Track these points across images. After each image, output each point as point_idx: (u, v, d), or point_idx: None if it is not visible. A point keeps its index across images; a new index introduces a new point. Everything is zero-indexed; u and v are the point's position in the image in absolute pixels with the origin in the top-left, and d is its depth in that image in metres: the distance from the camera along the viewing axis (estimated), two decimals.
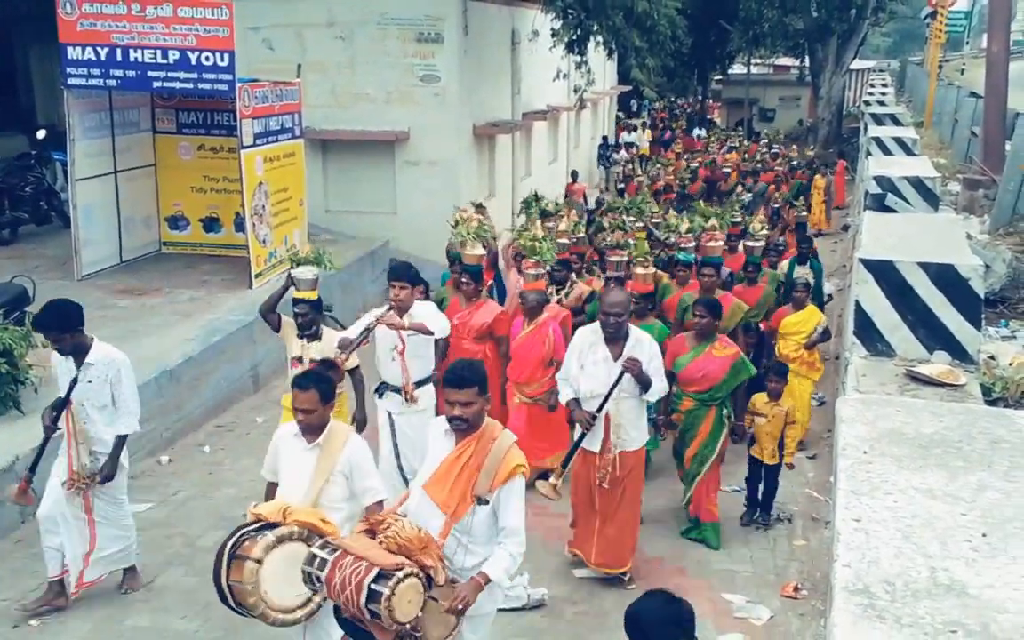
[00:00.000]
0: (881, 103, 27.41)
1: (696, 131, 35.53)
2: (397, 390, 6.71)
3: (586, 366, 6.05)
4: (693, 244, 9.66)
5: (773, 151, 26.04)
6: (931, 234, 7.87)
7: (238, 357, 10.26)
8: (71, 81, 11.37)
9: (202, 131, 13.37)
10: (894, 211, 10.27)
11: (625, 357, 5.96)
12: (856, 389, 5.84)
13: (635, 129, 33.42)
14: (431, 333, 6.61)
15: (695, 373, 6.85)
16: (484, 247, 8.95)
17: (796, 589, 6.44)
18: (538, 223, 10.22)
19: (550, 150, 23.37)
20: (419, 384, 6.75)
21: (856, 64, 40.03)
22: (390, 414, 6.78)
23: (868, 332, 6.57)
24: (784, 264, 11.05)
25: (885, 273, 6.49)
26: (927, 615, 2.50)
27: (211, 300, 11.29)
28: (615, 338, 6.02)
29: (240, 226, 12.76)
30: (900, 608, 2.53)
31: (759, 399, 7.42)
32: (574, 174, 22.62)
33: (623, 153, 28.08)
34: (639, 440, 6.31)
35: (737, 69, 44.40)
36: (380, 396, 6.80)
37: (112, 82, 11.38)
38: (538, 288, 7.98)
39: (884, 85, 35.90)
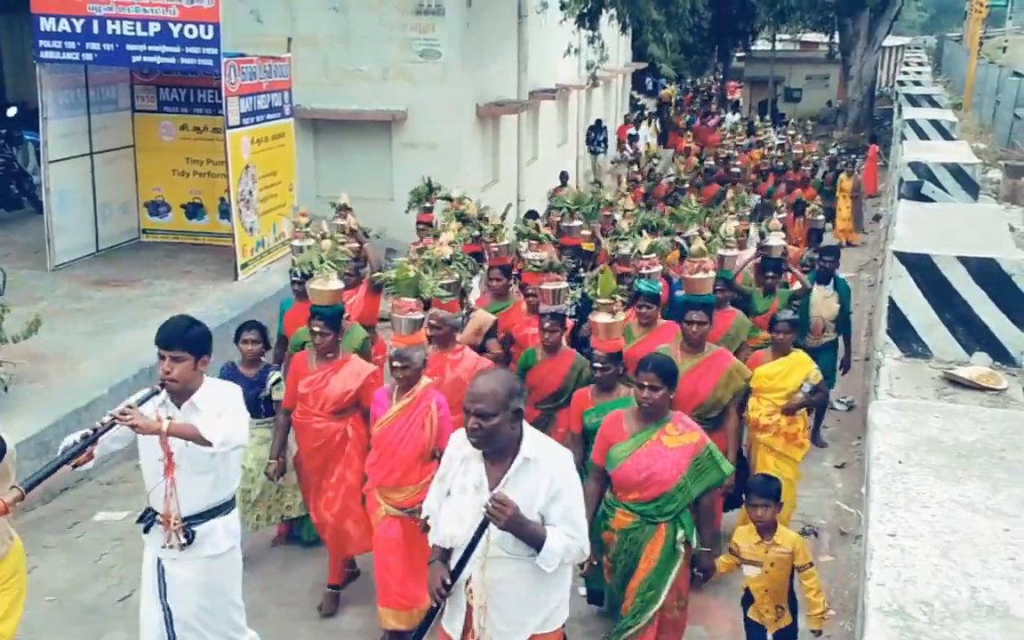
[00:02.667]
0: (916, 83, 27.31)
1: (729, 117, 34.24)
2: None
3: (453, 493, 3.92)
4: (657, 269, 7.61)
5: (779, 143, 23.92)
6: (971, 225, 7.86)
7: (223, 354, 10.23)
8: (44, 55, 11.37)
9: (184, 110, 13.39)
10: (931, 200, 10.25)
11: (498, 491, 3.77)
12: (889, 393, 5.83)
13: (649, 119, 32.44)
14: (206, 444, 4.32)
15: (634, 473, 4.93)
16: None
17: None
18: (451, 230, 8.26)
19: (559, 132, 23.37)
20: (198, 518, 4.57)
21: (889, 40, 39.95)
22: (159, 560, 4.68)
23: (902, 331, 6.57)
24: (796, 285, 9.36)
25: (921, 268, 6.48)
26: (967, 639, 2.49)
27: (194, 292, 11.31)
28: (492, 453, 3.83)
29: (225, 213, 12.78)
30: (938, 631, 2.53)
31: (743, 536, 5.31)
32: (563, 176, 19.31)
33: (626, 153, 26.21)
34: (536, 627, 3.93)
35: (761, 45, 44.38)
36: (146, 531, 4.67)
37: (88, 56, 11.38)
38: (448, 312, 6.36)
39: (920, 63, 35.77)
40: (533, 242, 8.37)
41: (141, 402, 4.38)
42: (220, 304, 10.82)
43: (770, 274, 8.83)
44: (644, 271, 7.42)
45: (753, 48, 44.31)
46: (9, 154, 14.24)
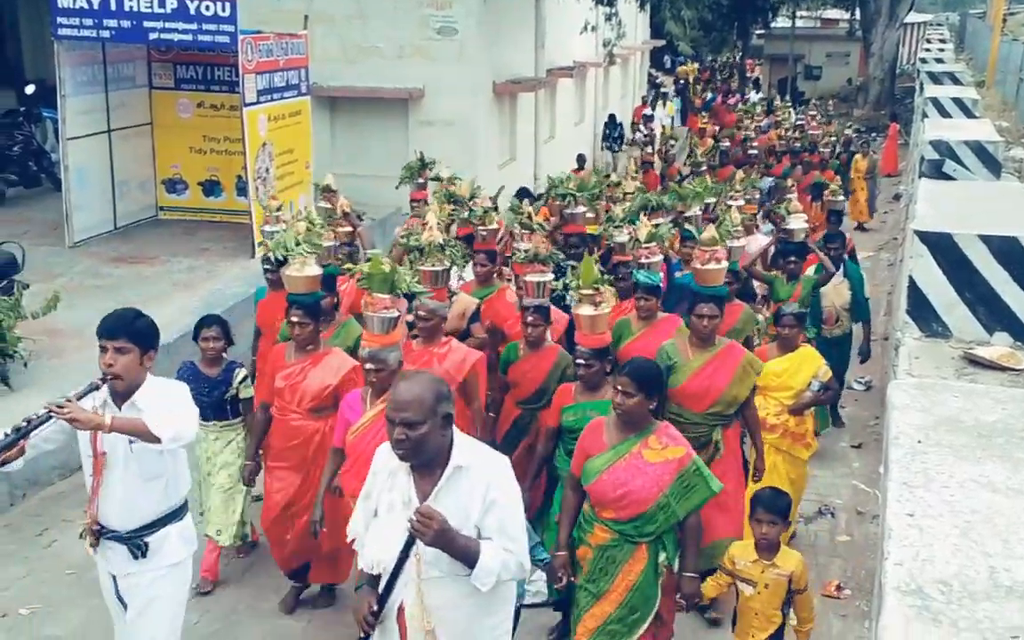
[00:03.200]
0: (938, 60, 27.03)
1: (752, 96, 33.55)
2: (118, 536, 4.18)
3: (380, 512, 3.58)
4: (658, 259, 7.10)
5: (798, 122, 22.93)
6: (993, 204, 7.77)
7: (240, 332, 10.30)
8: (62, 32, 11.41)
9: (201, 87, 13.42)
10: (952, 178, 10.13)
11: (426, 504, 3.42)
12: (909, 373, 5.78)
13: (663, 100, 31.73)
14: (154, 439, 3.92)
15: (610, 489, 4.50)
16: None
17: (838, 588, 6.42)
18: (434, 207, 8.02)
19: (576, 110, 23.28)
20: (151, 528, 4.21)
21: (911, 17, 39.57)
22: (114, 578, 4.30)
23: (922, 311, 6.50)
24: (810, 271, 8.96)
25: (942, 246, 6.40)
26: (987, 619, 2.47)
27: (211, 269, 11.36)
28: (421, 465, 3.48)
29: (242, 190, 12.81)
30: (957, 611, 2.51)
31: (741, 550, 4.95)
32: (580, 159, 18.47)
33: (639, 135, 25.11)
34: None
35: (781, 22, 44.00)
36: (94, 546, 4.26)
37: (106, 33, 11.42)
38: (437, 303, 6.02)
39: (942, 40, 35.44)
40: (524, 230, 7.87)
41: (80, 396, 3.96)
42: (238, 281, 10.85)
43: (792, 259, 8.45)
44: (644, 261, 6.90)
45: (773, 25, 43.96)
46: (28, 131, 14.31)
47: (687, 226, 8.98)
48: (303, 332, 5.61)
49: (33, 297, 8.66)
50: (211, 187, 13.70)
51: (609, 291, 7.11)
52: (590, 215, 9.60)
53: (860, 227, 18.13)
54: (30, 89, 15.25)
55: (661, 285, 6.87)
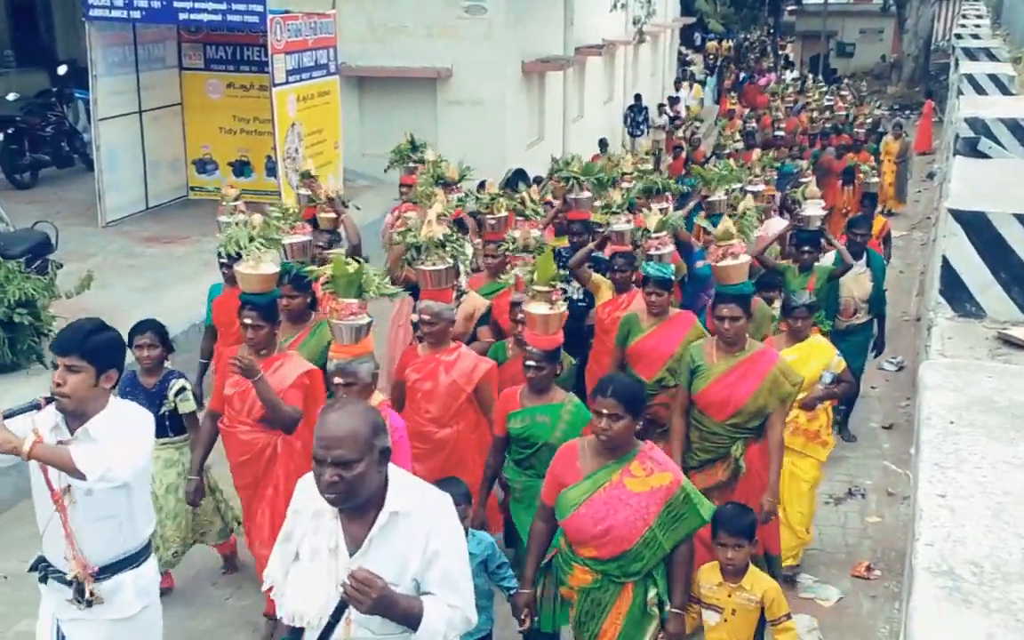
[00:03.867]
0: (975, 36, 26.55)
1: (788, 75, 32.49)
2: (64, 579, 3.73)
3: (302, 557, 3.11)
4: (669, 250, 6.49)
5: (827, 102, 21.65)
6: None
7: None
8: (93, 13, 11.51)
9: (231, 67, 13.49)
10: (987, 156, 9.98)
11: (358, 561, 2.96)
12: (941, 353, 5.73)
13: (690, 81, 30.70)
14: (79, 475, 3.48)
15: (589, 524, 3.99)
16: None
17: (868, 569, 6.39)
18: (438, 199, 7.22)
19: (606, 89, 23.16)
20: (102, 573, 3.73)
21: None
22: (57, 621, 3.85)
23: (955, 291, 6.42)
24: (829, 257, 8.29)
25: (976, 226, 6.32)
26: (1019, 600, 2.46)
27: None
28: (352, 510, 3.00)
29: (272, 170, 12.88)
30: (988, 592, 2.50)
31: (706, 574, 4.45)
32: (602, 143, 18.01)
33: (664, 118, 23.44)
34: None
35: None
36: (43, 581, 3.84)
37: (136, 13, 11.50)
38: (441, 302, 5.54)
39: (978, 16, 34.75)
40: (520, 218, 7.25)
41: (14, 413, 3.50)
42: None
43: (806, 249, 7.83)
44: (654, 252, 6.29)
45: (805, 1, 43.43)
46: (60, 112, 14.45)
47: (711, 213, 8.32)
48: (256, 335, 5.06)
49: (67, 277, 8.78)
50: (241, 167, 13.77)
51: (606, 284, 6.91)
52: (598, 203, 8.81)
53: (888, 213, 17.18)
54: (62, 70, 15.40)
55: (673, 278, 6.29)
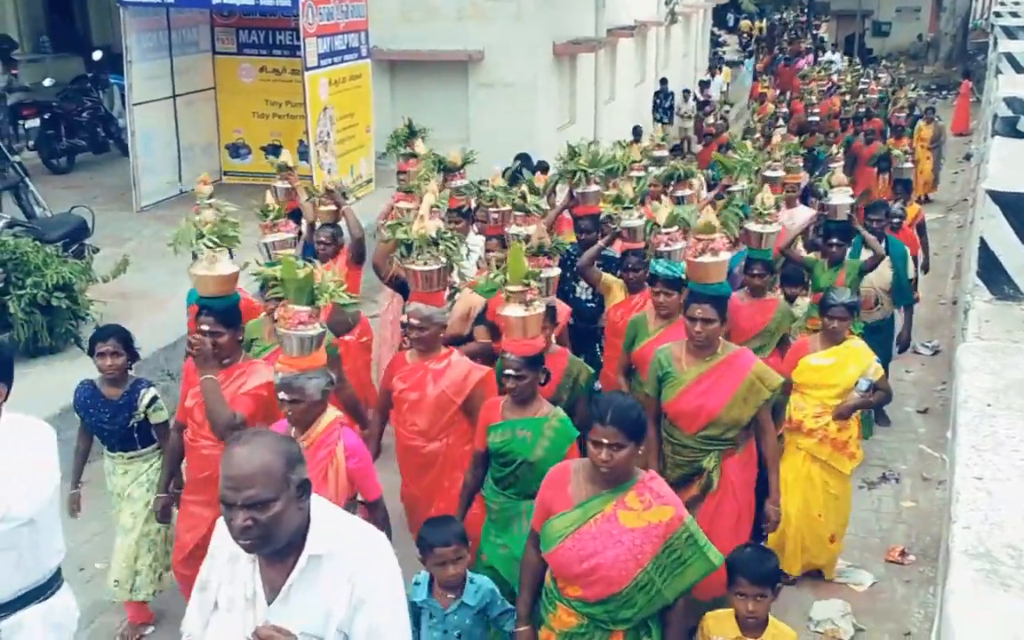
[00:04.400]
0: (1013, 14, 26.10)
1: (830, 57, 30.86)
2: None
3: (220, 606, 2.82)
4: (680, 246, 5.86)
5: (860, 86, 20.35)
6: None
7: None
8: None
9: (264, 52, 13.55)
10: None
11: (277, 610, 2.70)
12: (978, 336, 5.66)
13: (720, 65, 29.58)
14: None
15: (575, 560, 3.60)
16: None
17: (903, 554, 6.35)
18: (432, 186, 6.84)
19: (637, 70, 23.01)
20: (8, 608, 3.50)
21: None
22: None
23: (993, 273, 6.34)
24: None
25: (1015, 207, 6.23)
26: None
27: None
28: (271, 554, 2.70)
29: (304, 154, 12.93)
30: None
31: (718, 624, 4.02)
32: (636, 131, 16.84)
33: (691, 103, 22.53)
34: None
35: None
36: None
37: None
38: (432, 306, 5.14)
39: None
40: (519, 214, 6.73)
41: None
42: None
43: (834, 241, 7.32)
44: (663, 248, 5.83)
45: None
46: (96, 98, 14.60)
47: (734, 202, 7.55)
48: (216, 343, 4.65)
49: (103, 261, 8.89)
50: (274, 151, 13.79)
51: (617, 284, 6.47)
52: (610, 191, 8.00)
53: (925, 199, 16.83)
54: (97, 56, 15.54)
55: (684, 276, 5.66)
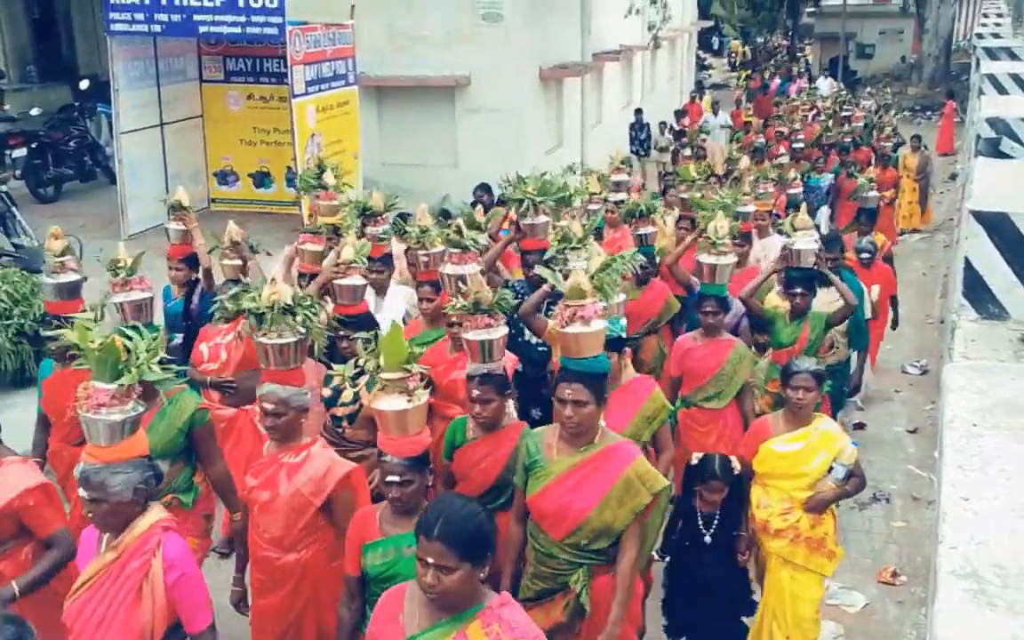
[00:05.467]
0: (995, 35, 26.38)
1: (822, 83, 29.61)
2: None
3: None
4: (616, 301, 5.13)
5: (844, 113, 19.08)
6: None
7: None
8: (114, 27, 11.65)
9: (251, 79, 13.62)
10: (1010, 157, 9.93)
11: None
12: (964, 355, 5.71)
13: (699, 92, 27.81)
14: None
15: None
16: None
17: (894, 574, 6.38)
18: (351, 238, 6.17)
19: (623, 94, 23.14)
20: None
21: None
22: None
23: (978, 293, 6.40)
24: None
25: (999, 227, 6.29)
26: None
27: (263, 260, 11.49)
28: None
29: (291, 181, 12.98)
30: (1013, 594, 2.50)
31: None
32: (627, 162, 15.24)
33: (667, 135, 20.53)
34: None
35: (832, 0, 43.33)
36: None
37: (157, 27, 11.64)
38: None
39: (999, 14, 34.52)
40: (455, 252, 5.78)
41: None
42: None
43: (798, 292, 6.37)
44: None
45: (824, 3, 43.27)
46: (83, 126, 14.62)
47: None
48: None
49: (91, 290, 8.85)
50: (261, 178, 13.90)
51: None
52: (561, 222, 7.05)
53: (908, 232, 16.33)
54: (84, 84, 15.58)
55: (624, 335, 5.13)
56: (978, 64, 20.51)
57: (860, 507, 7.31)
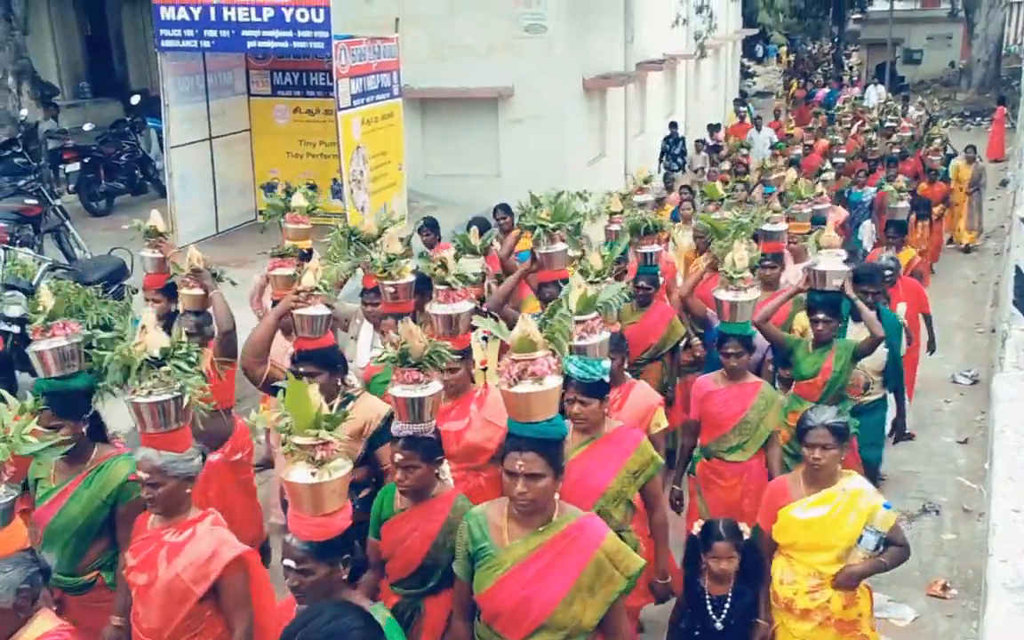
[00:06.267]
0: None
1: (872, 91, 27.78)
2: None
3: None
4: (598, 340, 4.42)
5: (890, 122, 17.81)
6: None
7: (340, 333, 10.56)
8: (164, 44, 11.85)
9: (297, 93, 13.78)
10: None
11: None
12: (1016, 365, 5.62)
13: (737, 105, 25.59)
14: None
15: None
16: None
17: (944, 588, 6.28)
18: (314, 263, 5.35)
19: (667, 103, 23.09)
20: None
21: None
22: None
23: None
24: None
25: None
26: None
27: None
28: None
29: (337, 193, 13.12)
30: None
31: None
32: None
33: (703, 155, 18.59)
34: None
35: (878, 5, 42.83)
36: None
37: (206, 43, 11.81)
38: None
39: None
40: (441, 289, 4.95)
41: None
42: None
43: (820, 317, 5.79)
44: (577, 340, 4.28)
45: (870, 8, 42.80)
46: (134, 141, 14.89)
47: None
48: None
49: (143, 302, 9.03)
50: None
51: None
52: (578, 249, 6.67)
53: (965, 248, 15.54)
54: (135, 100, 15.87)
55: (607, 379, 4.31)
56: None
57: (909, 519, 7.20)
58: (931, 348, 8.69)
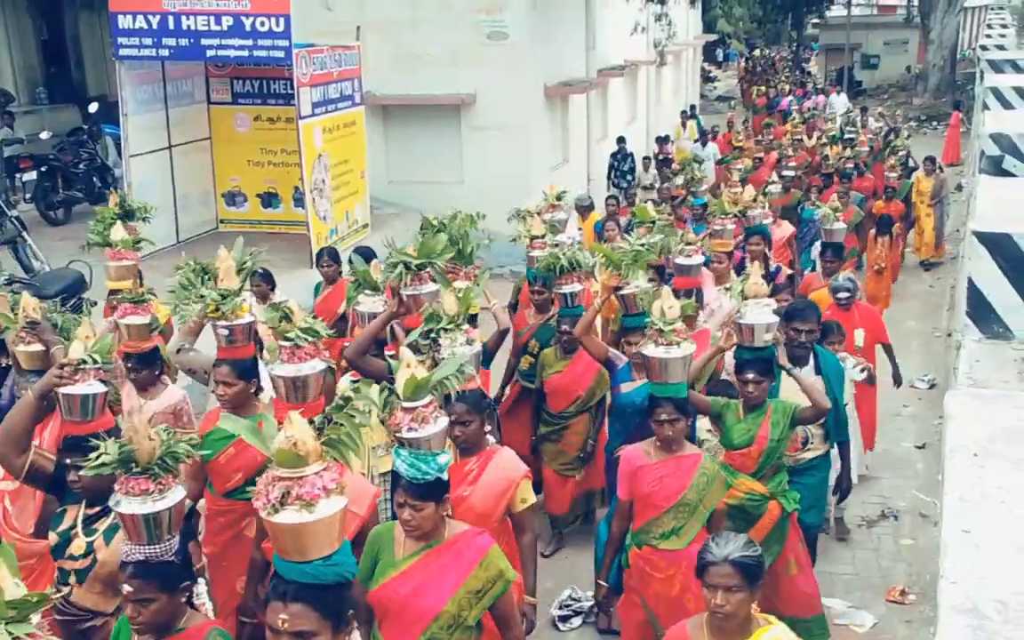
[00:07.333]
0: (1000, 47, 26.36)
1: (835, 99, 27.31)
2: None
3: None
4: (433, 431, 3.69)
5: (848, 134, 16.96)
6: None
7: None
8: (122, 52, 11.71)
9: (258, 101, 13.67)
10: (1013, 175, 9.94)
11: None
12: (969, 376, 5.73)
13: (683, 118, 24.58)
14: None
15: None
16: None
17: (903, 593, 6.36)
18: (84, 329, 4.44)
19: (629, 109, 23.23)
20: None
21: (972, 1, 38.73)
22: None
23: (983, 312, 6.44)
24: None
25: (1002, 247, 6.34)
26: None
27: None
28: None
29: (299, 201, 13.06)
30: (1014, 631, 2.52)
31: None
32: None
33: (652, 172, 18.37)
34: None
35: (836, 11, 43.36)
36: None
37: (164, 51, 11.69)
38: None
39: (1003, 26, 34.51)
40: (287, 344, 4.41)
41: None
42: (299, 290, 10.99)
43: (750, 377, 5.01)
44: (408, 432, 3.56)
45: (828, 14, 43.31)
46: (92, 149, 14.69)
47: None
48: None
49: (101, 314, 8.93)
50: (269, 199, 13.96)
51: None
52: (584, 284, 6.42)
53: (925, 265, 15.06)
54: (93, 107, 15.66)
55: (445, 477, 3.59)
56: (982, 76, 20.52)
57: (868, 524, 7.30)
58: (896, 381, 8.04)
